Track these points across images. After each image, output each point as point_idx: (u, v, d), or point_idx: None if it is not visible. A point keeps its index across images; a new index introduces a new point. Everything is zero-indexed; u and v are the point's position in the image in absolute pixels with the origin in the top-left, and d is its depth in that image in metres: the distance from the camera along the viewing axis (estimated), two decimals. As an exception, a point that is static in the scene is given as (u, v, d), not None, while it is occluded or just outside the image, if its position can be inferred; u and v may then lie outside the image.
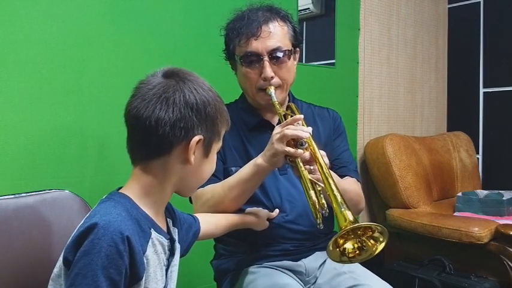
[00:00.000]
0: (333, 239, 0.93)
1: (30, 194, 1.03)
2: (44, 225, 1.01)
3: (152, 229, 0.82)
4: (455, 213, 2.34)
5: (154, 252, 0.82)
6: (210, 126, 0.84)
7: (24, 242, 0.97)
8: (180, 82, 0.83)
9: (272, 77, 1.24)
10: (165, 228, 0.89)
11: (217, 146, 0.89)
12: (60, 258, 0.77)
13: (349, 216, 0.93)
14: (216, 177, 1.26)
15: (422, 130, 2.96)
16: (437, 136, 2.85)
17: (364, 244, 0.96)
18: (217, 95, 0.88)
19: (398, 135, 2.49)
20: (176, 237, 0.93)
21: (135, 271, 0.75)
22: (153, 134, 0.79)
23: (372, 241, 0.95)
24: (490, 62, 2.94)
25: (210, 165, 0.90)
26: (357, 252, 0.97)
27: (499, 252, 1.99)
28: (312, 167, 1.09)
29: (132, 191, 0.83)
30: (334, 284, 1.22)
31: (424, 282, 1.95)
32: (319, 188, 1.05)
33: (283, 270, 1.25)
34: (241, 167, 1.23)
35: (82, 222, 0.78)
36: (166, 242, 0.86)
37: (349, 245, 0.96)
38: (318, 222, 1.03)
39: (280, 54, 1.24)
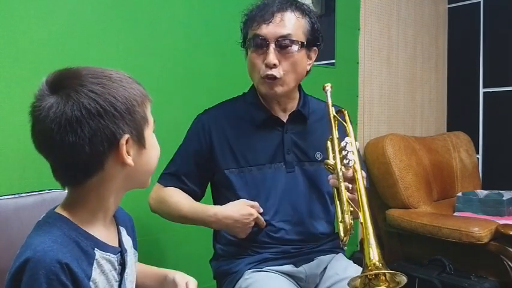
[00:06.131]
0: (356, 279, 0.96)
1: (30, 194, 1.04)
2: (43, 225, 1.01)
3: (96, 249, 0.76)
4: (455, 213, 2.34)
5: (101, 272, 0.76)
6: (131, 119, 0.75)
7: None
8: (72, 93, 0.71)
9: (275, 65, 1.21)
10: (115, 241, 0.83)
11: (149, 130, 0.80)
12: None
13: (375, 258, 0.95)
14: (180, 181, 1.31)
15: (422, 130, 2.96)
16: (437, 136, 2.85)
17: (379, 275, 0.98)
18: (120, 79, 0.76)
19: (398, 135, 2.48)
20: (130, 246, 0.88)
21: None
22: (75, 161, 0.72)
23: (383, 277, 0.98)
24: (490, 62, 2.94)
25: (152, 151, 0.81)
26: (374, 276, 0.99)
27: (499, 252, 1.99)
28: (350, 186, 1.11)
29: (69, 211, 0.76)
30: None
31: (424, 282, 1.95)
32: (351, 209, 1.07)
33: (282, 275, 1.23)
34: (244, 167, 1.26)
35: (19, 250, 0.72)
36: (114, 258, 0.80)
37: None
38: (344, 242, 1.06)
39: (286, 43, 1.21)
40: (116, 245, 0.84)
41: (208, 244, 1.40)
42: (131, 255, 0.88)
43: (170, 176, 1.33)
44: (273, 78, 1.22)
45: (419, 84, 2.93)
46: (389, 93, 2.73)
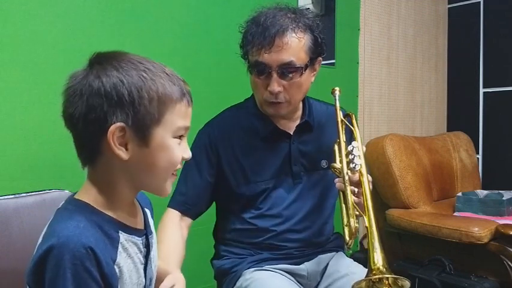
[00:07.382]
0: (361, 282, 0.96)
1: (30, 194, 1.03)
2: (44, 225, 1.00)
3: (120, 231, 0.75)
4: (455, 213, 2.34)
5: (127, 256, 0.76)
6: (132, 110, 0.71)
7: (24, 242, 0.97)
8: (87, 69, 0.72)
9: (279, 91, 1.17)
10: (140, 223, 0.83)
11: (161, 131, 0.74)
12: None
13: (379, 262, 0.96)
14: (187, 201, 1.24)
15: (422, 130, 2.96)
16: (437, 136, 2.85)
17: (383, 279, 0.98)
18: (146, 70, 0.74)
19: (398, 135, 2.48)
20: (153, 228, 0.88)
21: (107, 284, 0.69)
22: (75, 134, 0.74)
23: (387, 281, 0.98)
24: (490, 62, 2.94)
25: (160, 154, 0.75)
26: (377, 280, 0.99)
27: (499, 252, 1.99)
28: (356, 190, 1.11)
29: (89, 196, 0.75)
30: (337, 286, 1.22)
31: (424, 282, 1.95)
32: (356, 213, 1.07)
33: (284, 273, 1.23)
34: (253, 182, 1.23)
35: (40, 239, 0.72)
36: (139, 241, 0.80)
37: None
38: (349, 245, 1.07)
39: (290, 70, 1.15)
40: (142, 227, 0.83)
41: (209, 244, 1.40)
42: (155, 238, 0.88)
43: (178, 195, 1.27)
44: (278, 103, 1.19)
45: (419, 84, 2.93)
46: (389, 93, 2.73)
